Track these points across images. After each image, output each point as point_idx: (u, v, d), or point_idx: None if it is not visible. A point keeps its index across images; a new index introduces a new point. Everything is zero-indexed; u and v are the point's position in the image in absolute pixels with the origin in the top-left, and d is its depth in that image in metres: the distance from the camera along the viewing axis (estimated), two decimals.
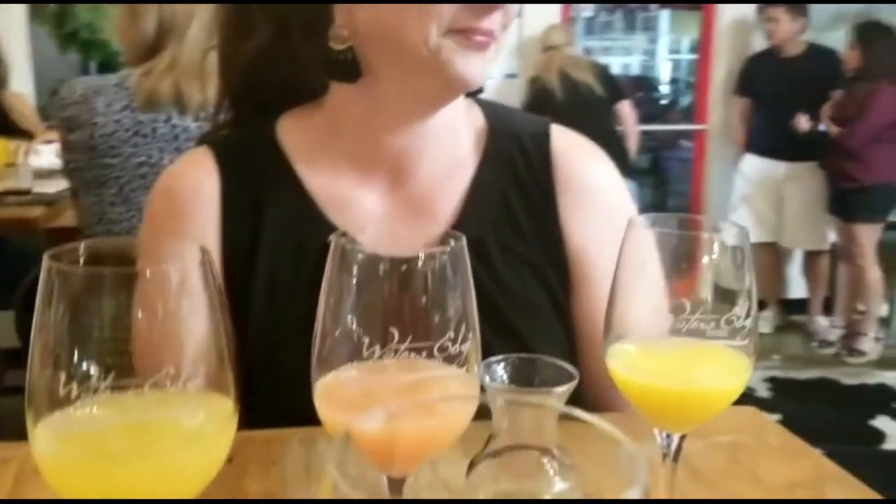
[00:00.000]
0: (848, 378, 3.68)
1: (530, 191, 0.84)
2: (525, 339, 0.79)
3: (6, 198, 1.99)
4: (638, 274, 0.54)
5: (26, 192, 2.00)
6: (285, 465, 0.71)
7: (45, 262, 0.40)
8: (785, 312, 4.31)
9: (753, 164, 4.22)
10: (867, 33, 3.79)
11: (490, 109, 0.88)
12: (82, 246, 0.43)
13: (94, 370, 0.37)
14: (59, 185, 2.20)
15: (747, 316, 0.51)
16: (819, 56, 4.01)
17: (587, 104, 3.74)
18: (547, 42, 3.93)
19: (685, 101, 8.40)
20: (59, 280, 0.39)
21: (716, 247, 0.52)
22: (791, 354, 3.96)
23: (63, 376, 0.37)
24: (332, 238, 0.47)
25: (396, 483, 0.40)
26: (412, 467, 0.42)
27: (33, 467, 0.68)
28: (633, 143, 4.09)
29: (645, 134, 6.75)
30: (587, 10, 6.52)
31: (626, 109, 4.02)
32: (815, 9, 4.12)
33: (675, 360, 0.54)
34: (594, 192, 0.85)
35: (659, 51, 10.15)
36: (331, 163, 0.83)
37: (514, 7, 0.74)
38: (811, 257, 4.27)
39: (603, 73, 3.97)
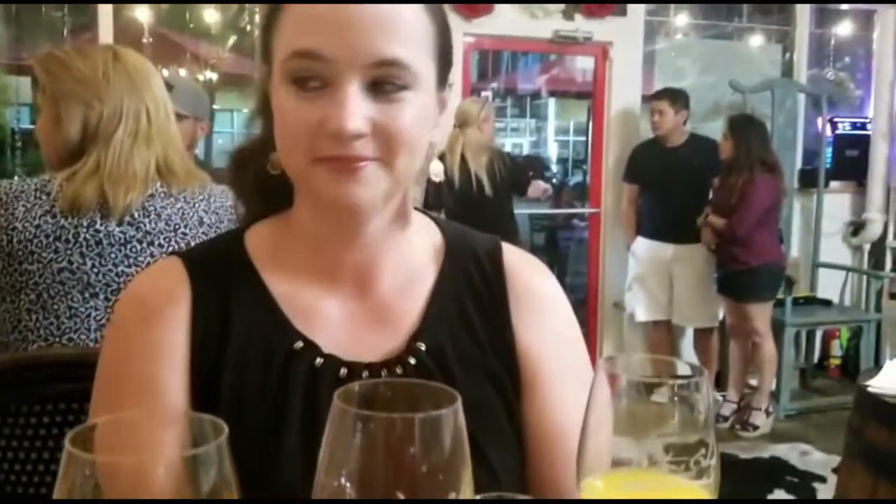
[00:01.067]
0: (743, 452, 3.84)
1: (485, 301, 0.89)
2: (480, 445, 0.82)
3: None
4: (605, 415, 0.59)
5: None
6: None
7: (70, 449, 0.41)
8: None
9: (643, 246, 4.46)
10: (739, 125, 4.12)
11: (447, 227, 0.95)
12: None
13: None
14: None
15: (711, 455, 0.56)
16: (699, 145, 4.34)
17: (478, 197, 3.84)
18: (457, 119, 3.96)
19: (575, 179, 8.82)
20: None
21: (676, 394, 0.57)
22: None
23: None
24: (335, 399, 0.50)
25: None
26: None
27: None
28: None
29: (540, 214, 7.01)
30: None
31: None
32: (695, 100, 4.46)
33: (644, 497, 0.58)
34: (543, 301, 0.92)
35: (547, 135, 10.67)
36: (294, 271, 0.86)
37: (401, 131, 0.77)
38: (702, 334, 4.49)
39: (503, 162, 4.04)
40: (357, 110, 0.74)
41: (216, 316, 0.83)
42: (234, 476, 0.45)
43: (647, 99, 4.56)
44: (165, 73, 4.10)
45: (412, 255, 0.89)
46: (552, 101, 10.25)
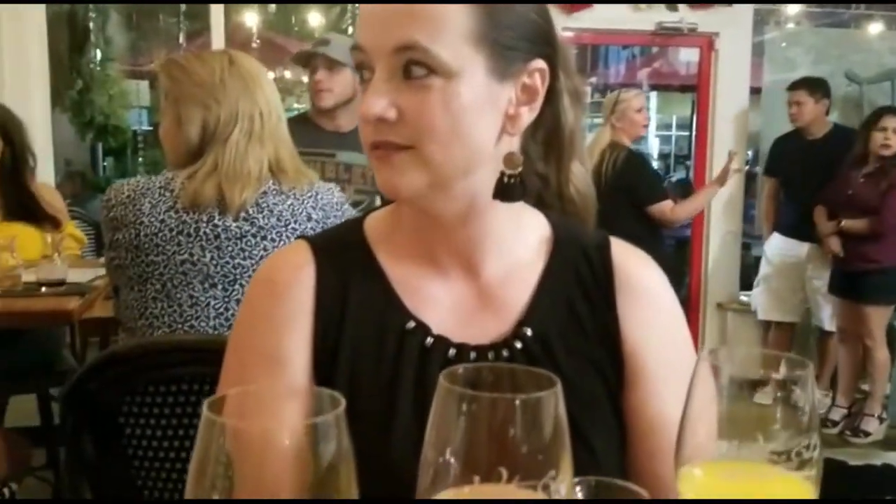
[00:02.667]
0: (854, 459, 3.68)
1: (592, 293, 0.91)
2: (584, 431, 0.85)
3: (40, 289, 2.04)
4: (707, 406, 0.59)
5: (60, 283, 2.05)
6: None
7: (208, 416, 0.45)
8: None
9: (778, 243, 4.29)
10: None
11: (554, 220, 0.96)
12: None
13: None
14: (89, 274, 2.26)
15: (814, 448, 0.56)
16: (843, 137, 4.08)
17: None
18: None
19: (678, 175, 8.60)
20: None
21: (779, 389, 0.57)
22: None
23: None
24: (441, 379, 0.52)
25: None
26: None
27: None
28: None
29: None
30: None
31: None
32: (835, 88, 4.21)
33: (742, 487, 0.58)
34: (649, 294, 0.93)
35: (649, 127, 10.43)
36: (407, 255, 0.91)
37: (428, 117, 0.79)
38: (823, 337, 4.30)
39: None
40: (379, 95, 0.79)
41: (337, 295, 0.89)
42: (351, 450, 0.48)
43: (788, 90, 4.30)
44: (272, 75, 4.25)
45: (518, 245, 0.92)
46: (654, 95, 10.03)
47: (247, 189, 1.60)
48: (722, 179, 3.92)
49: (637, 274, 0.93)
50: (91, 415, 1.40)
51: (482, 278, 0.90)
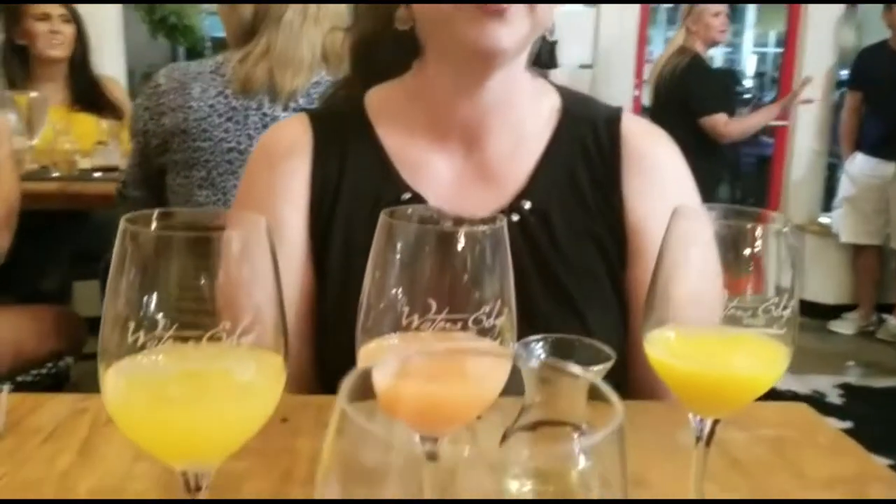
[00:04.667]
0: None
1: (597, 167, 0.88)
2: (579, 306, 0.84)
3: (94, 174, 2.10)
4: (681, 262, 0.55)
5: (114, 169, 2.11)
6: None
7: (122, 224, 0.44)
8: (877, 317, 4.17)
9: (861, 163, 4.06)
10: None
11: (567, 94, 0.94)
12: (156, 213, 0.46)
13: (160, 321, 0.41)
14: None
15: (785, 307, 0.52)
16: None
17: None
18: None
19: (769, 96, 8.17)
20: (132, 242, 0.43)
21: (759, 237, 0.53)
22: (869, 361, 3.83)
23: (132, 325, 0.41)
24: (381, 215, 0.50)
25: (430, 440, 0.43)
26: (445, 429, 0.45)
27: (107, 417, 0.74)
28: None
29: None
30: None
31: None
32: None
33: (713, 346, 0.55)
34: (658, 170, 0.89)
35: (744, 44, 9.86)
36: (407, 128, 0.90)
37: None
38: None
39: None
40: None
41: (333, 166, 0.89)
42: None
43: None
44: None
45: (525, 118, 0.90)
46: (752, 8, 9.45)
47: (298, 76, 1.56)
48: (787, 103, 3.71)
49: (646, 148, 0.89)
50: None
51: (486, 152, 0.89)
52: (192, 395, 0.43)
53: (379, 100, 0.93)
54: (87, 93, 2.54)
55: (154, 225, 0.46)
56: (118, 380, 0.43)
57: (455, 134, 0.88)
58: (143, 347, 0.42)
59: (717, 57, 10.20)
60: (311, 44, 1.58)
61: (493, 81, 0.84)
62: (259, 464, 0.67)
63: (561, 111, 0.91)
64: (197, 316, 0.43)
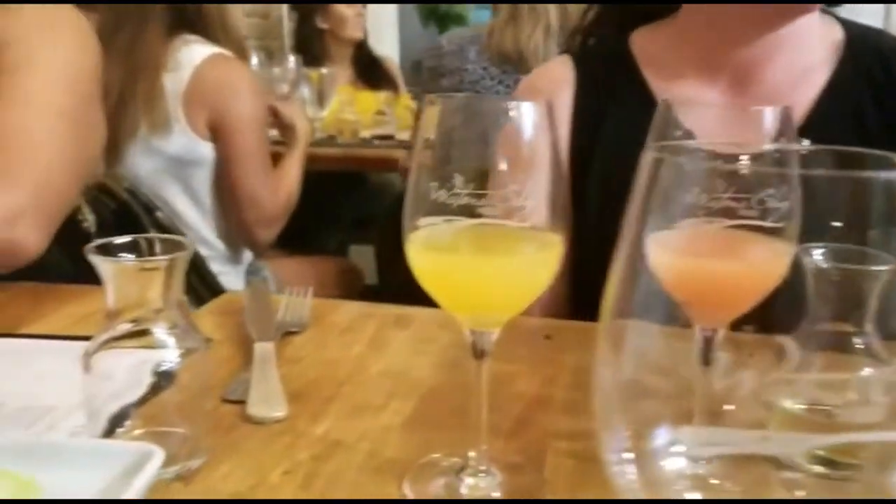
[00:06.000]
0: None
1: (888, 102, 0.83)
2: None
3: (373, 141, 2.31)
4: None
5: (390, 138, 2.30)
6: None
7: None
8: None
9: None
10: None
11: (849, 25, 0.89)
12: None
13: (458, 180, 0.46)
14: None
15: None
16: None
17: None
18: None
19: None
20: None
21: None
22: None
23: (434, 186, 0.47)
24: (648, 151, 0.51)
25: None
26: (724, 317, 0.45)
27: (391, 320, 0.83)
28: None
29: None
30: None
31: None
32: None
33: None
34: None
35: None
36: (675, 68, 0.90)
37: None
38: None
39: None
40: None
41: (595, 105, 0.91)
42: None
43: None
44: None
45: (805, 52, 0.86)
46: None
47: (550, 44, 1.61)
48: None
49: None
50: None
51: (762, 85, 0.86)
52: (483, 250, 0.47)
53: (644, 41, 0.94)
54: (368, 70, 2.81)
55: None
56: (422, 237, 0.48)
57: (727, 71, 0.87)
58: (443, 205, 0.47)
59: None
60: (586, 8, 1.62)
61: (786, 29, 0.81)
62: (526, 369, 0.72)
63: (844, 42, 0.87)
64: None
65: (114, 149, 1.51)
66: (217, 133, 1.54)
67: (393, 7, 4.13)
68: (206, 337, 0.60)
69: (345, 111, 2.33)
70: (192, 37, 1.53)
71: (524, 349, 0.77)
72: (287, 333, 0.79)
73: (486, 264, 0.48)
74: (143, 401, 0.55)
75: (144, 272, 0.53)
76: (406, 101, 3.02)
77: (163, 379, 0.54)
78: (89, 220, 1.24)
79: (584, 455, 0.57)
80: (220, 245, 1.65)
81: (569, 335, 0.80)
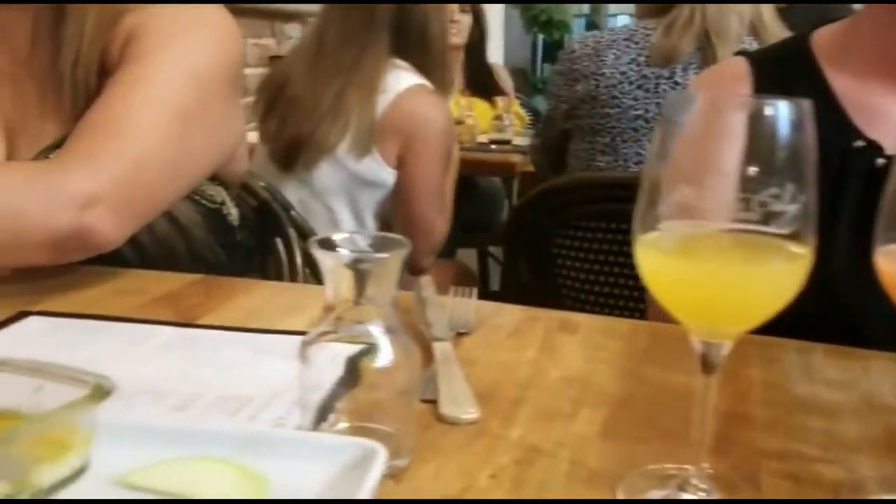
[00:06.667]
0: None
1: None
2: None
3: (490, 146, 2.31)
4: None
5: (507, 143, 2.29)
6: (783, 363, 0.74)
7: None
8: None
9: None
10: None
11: None
12: None
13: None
14: (528, 140, 2.48)
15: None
16: None
17: None
18: None
19: None
20: None
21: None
22: None
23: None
24: None
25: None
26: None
27: (557, 325, 0.81)
28: None
29: None
30: None
31: None
32: None
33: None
34: None
35: None
36: (858, 71, 0.86)
37: None
38: None
39: None
40: None
41: None
42: None
43: None
44: None
45: None
46: None
47: (726, 46, 1.56)
48: None
49: None
50: (527, 243, 1.55)
51: None
52: (728, 257, 0.45)
53: (827, 40, 0.89)
54: (480, 77, 2.79)
55: None
56: (659, 240, 0.46)
57: None
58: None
59: None
60: (740, 13, 1.57)
61: None
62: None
63: None
64: None
65: (307, 158, 1.54)
66: (403, 162, 1.57)
67: (499, 11, 4.13)
68: None
69: (464, 116, 2.34)
70: (402, 63, 1.56)
71: None
72: (457, 335, 0.78)
73: (732, 273, 0.45)
74: (348, 396, 0.55)
75: (363, 268, 0.53)
76: (516, 106, 3.01)
77: (371, 375, 0.54)
78: (233, 213, 1.27)
79: (801, 477, 0.54)
80: None
81: (749, 349, 0.76)
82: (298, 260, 1.43)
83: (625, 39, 1.63)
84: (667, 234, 0.47)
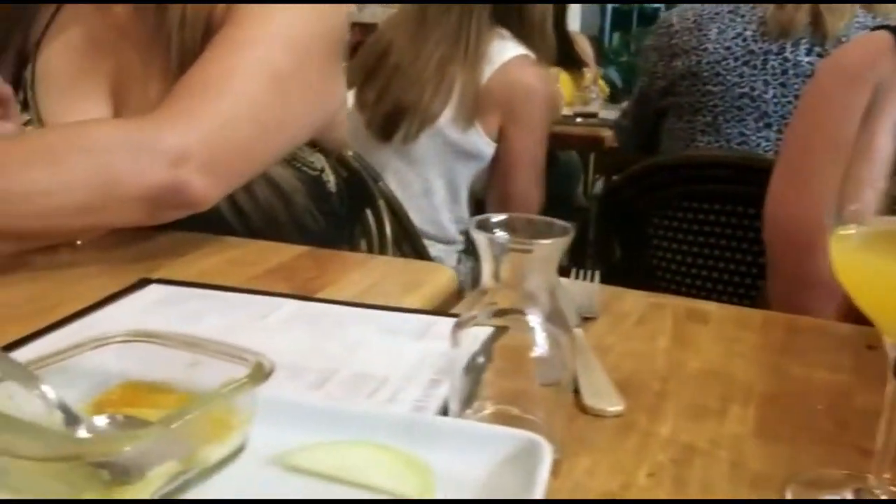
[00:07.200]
0: None
1: None
2: None
3: (575, 119, 2.25)
4: None
5: (594, 115, 2.23)
6: None
7: None
8: None
9: None
10: None
11: None
12: None
13: None
14: (614, 114, 2.42)
15: None
16: None
17: None
18: None
19: None
20: None
21: None
22: None
23: None
24: None
25: None
26: None
27: (684, 312, 0.78)
28: None
29: None
30: None
31: None
32: None
33: None
34: None
35: None
36: None
37: None
38: None
39: None
40: None
41: None
42: None
43: None
44: None
45: None
46: None
47: (843, 18, 1.47)
48: None
49: None
50: (622, 221, 1.51)
51: None
52: None
53: None
54: (563, 47, 2.72)
55: None
56: (862, 235, 0.43)
57: None
58: None
59: None
60: None
61: None
62: (858, 381, 0.65)
63: None
64: None
65: (408, 127, 1.52)
66: (505, 134, 1.54)
67: None
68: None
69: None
70: (505, 32, 1.53)
71: (847, 359, 0.70)
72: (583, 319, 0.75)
73: None
74: (497, 383, 0.53)
75: (524, 253, 0.50)
76: (597, 77, 2.94)
77: (524, 363, 0.52)
78: (331, 181, 1.25)
79: None
80: (452, 231, 1.65)
81: None
82: (388, 231, 1.42)
83: (729, 12, 1.55)
84: (866, 228, 0.43)
